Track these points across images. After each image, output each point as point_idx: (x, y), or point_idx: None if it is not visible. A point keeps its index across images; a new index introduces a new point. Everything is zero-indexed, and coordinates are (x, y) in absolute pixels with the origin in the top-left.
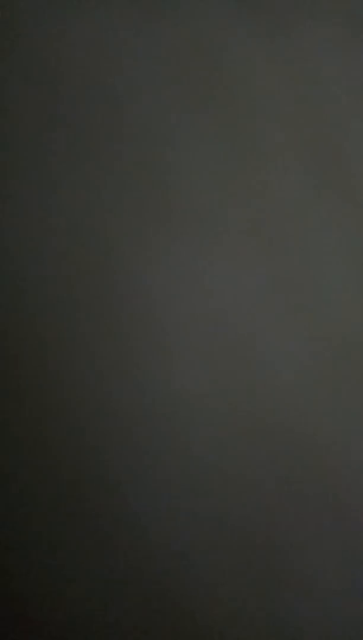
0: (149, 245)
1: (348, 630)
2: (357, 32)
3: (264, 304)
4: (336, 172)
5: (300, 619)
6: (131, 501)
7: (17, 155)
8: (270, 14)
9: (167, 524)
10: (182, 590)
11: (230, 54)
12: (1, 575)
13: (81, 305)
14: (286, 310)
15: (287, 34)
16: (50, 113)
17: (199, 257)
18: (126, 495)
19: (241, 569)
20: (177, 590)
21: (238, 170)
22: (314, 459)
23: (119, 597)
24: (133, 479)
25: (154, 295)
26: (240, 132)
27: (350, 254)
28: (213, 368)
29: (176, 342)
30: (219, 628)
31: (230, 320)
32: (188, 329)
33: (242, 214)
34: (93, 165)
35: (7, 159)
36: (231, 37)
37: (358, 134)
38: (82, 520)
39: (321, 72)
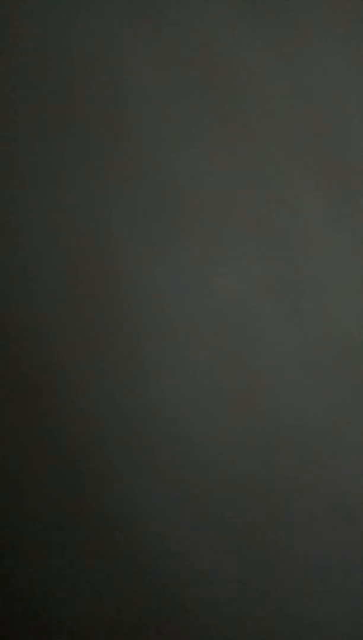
0: (154, 245)
1: (348, 630)
2: (360, 30)
3: (268, 303)
4: (340, 171)
5: (300, 618)
6: (131, 501)
7: (21, 156)
8: (272, 13)
9: (168, 525)
10: (182, 590)
11: (232, 54)
12: (1, 576)
13: (85, 304)
14: (290, 310)
15: (290, 33)
16: (52, 114)
17: (204, 256)
18: (127, 495)
19: (242, 569)
20: (177, 590)
21: (241, 169)
22: (315, 460)
23: (119, 597)
24: (134, 478)
25: (158, 295)
26: (244, 132)
27: (353, 253)
28: (216, 367)
29: (180, 341)
30: (220, 628)
31: (233, 319)
32: (192, 328)
33: (246, 214)
34: (97, 165)
35: (11, 161)
36: (234, 36)
37: (362, 132)
38: (82, 520)
39: (323, 71)
